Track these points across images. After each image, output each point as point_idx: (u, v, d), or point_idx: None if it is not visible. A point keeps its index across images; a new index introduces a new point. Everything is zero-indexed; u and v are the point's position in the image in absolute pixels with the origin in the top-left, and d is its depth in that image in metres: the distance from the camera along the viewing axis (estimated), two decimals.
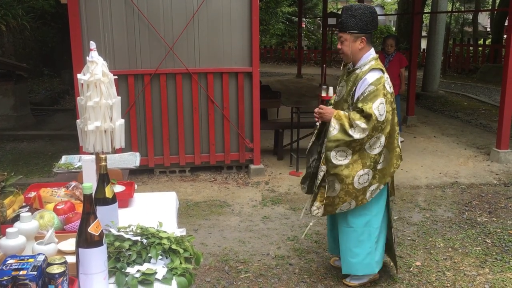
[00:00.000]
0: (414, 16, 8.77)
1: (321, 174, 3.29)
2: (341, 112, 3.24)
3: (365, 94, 3.17)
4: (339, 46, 3.33)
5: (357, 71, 3.26)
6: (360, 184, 3.22)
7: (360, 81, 3.21)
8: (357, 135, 3.14)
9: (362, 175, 3.21)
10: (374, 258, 3.40)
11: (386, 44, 7.44)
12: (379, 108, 3.12)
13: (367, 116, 3.11)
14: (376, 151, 3.20)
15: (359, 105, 3.16)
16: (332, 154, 3.20)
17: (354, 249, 3.36)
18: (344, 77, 3.42)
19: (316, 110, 3.35)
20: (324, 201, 3.30)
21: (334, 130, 3.20)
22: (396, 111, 3.28)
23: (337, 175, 3.21)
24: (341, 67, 3.59)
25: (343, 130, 3.18)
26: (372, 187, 3.27)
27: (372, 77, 3.17)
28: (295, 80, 14.84)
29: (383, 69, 3.25)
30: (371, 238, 3.36)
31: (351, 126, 3.16)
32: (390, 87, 3.22)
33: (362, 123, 3.12)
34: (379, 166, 3.25)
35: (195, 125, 5.80)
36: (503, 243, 4.19)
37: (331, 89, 3.77)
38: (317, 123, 3.45)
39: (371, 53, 3.28)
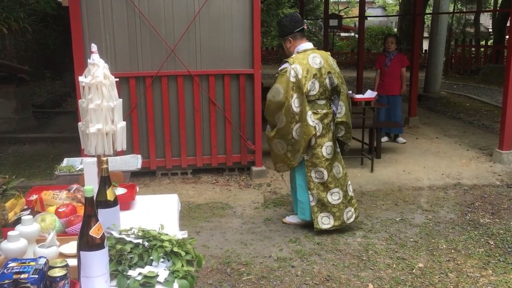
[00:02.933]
0: (416, 17, 8.76)
1: None
2: None
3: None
4: None
5: None
6: (278, 150, 4.18)
7: None
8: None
9: (276, 143, 4.17)
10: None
11: (386, 42, 7.49)
12: (272, 92, 4.05)
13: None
14: (281, 125, 4.06)
15: None
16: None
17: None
18: None
19: None
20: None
21: None
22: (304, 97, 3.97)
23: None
24: None
25: None
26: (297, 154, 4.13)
27: (280, 67, 4.08)
28: None
29: (298, 61, 3.93)
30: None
31: None
32: (294, 76, 3.92)
33: None
34: (289, 137, 4.07)
35: (196, 127, 5.80)
36: (506, 244, 4.18)
37: None
38: None
39: (300, 47, 4.07)
